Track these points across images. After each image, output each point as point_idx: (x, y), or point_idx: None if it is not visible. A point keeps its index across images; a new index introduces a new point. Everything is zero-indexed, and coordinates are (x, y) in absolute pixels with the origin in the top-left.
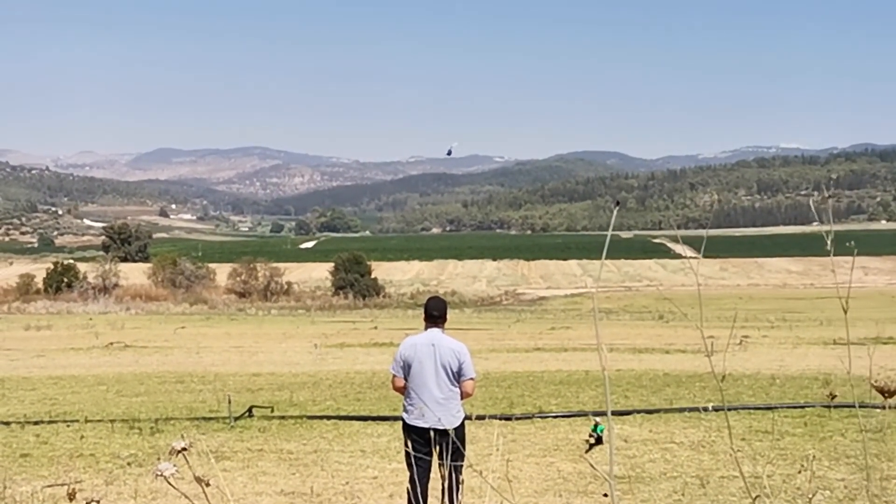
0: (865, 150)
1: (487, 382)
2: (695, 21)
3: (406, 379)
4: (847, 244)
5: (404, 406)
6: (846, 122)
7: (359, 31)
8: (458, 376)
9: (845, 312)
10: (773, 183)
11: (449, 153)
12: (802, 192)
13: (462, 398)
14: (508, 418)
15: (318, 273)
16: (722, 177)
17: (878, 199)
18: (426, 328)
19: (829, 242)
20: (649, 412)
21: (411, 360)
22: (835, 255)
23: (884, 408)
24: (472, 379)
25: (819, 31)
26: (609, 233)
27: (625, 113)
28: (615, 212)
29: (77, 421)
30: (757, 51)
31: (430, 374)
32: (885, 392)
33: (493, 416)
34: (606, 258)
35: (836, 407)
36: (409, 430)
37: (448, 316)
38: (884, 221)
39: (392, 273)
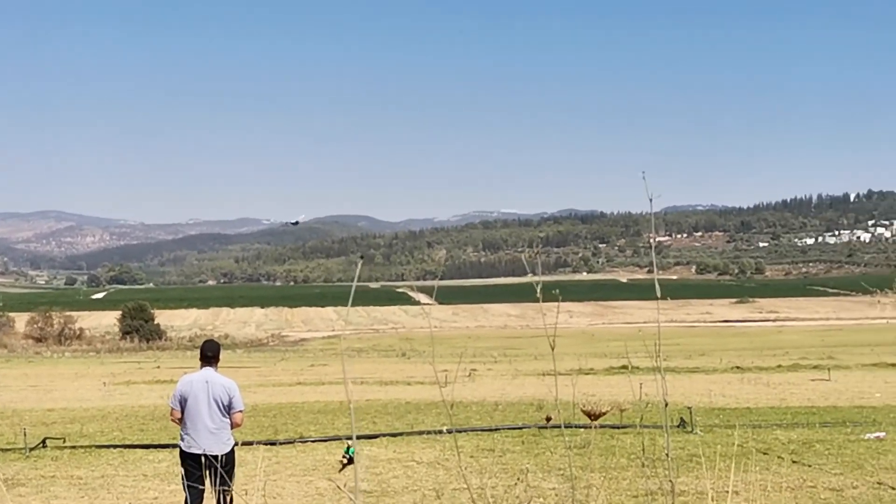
0: (570, 214)
1: (255, 413)
2: (426, 107)
3: (183, 411)
4: (553, 292)
5: (181, 435)
6: (554, 191)
7: (141, 113)
8: (228, 409)
9: (552, 349)
10: (495, 242)
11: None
12: (519, 249)
13: (232, 428)
14: (273, 443)
15: (108, 320)
16: (453, 236)
17: (580, 254)
18: (201, 367)
19: (538, 291)
20: (393, 435)
21: (187, 395)
22: (544, 301)
23: (588, 427)
24: (240, 411)
25: (525, 115)
26: (354, 284)
27: (373, 182)
28: (359, 265)
29: None
30: (479, 133)
31: (204, 407)
32: (591, 415)
33: (260, 442)
34: (358, 305)
35: (548, 427)
36: (185, 457)
37: (221, 356)
38: (585, 273)
39: (173, 319)
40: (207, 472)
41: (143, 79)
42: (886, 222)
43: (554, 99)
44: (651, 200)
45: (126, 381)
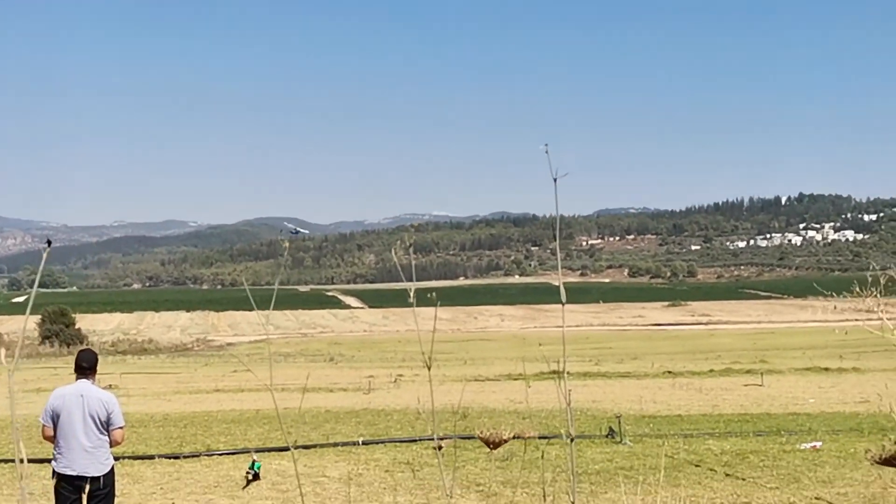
0: (502, 217)
1: (166, 423)
2: (356, 107)
3: (55, 429)
4: (429, 296)
5: (54, 454)
6: (486, 194)
7: (63, 112)
8: (106, 425)
9: (429, 367)
10: (426, 244)
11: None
12: (451, 252)
13: (111, 446)
14: (176, 457)
15: (28, 324)
16: (384, 239)
17: (513, 257)
18: (77, 379)
19: (411, 296)
20: (306, 447)
21: (60, 410)
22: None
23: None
24: (120, 427)
25: (457, 117)
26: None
27: (302, 184)
28: (46, 252)
29: None
30: (410, 134)
31: (79, 424)
32: (490, 443)
33: (162, 456)
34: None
35: (468, 438)
36: (59, 478)
37: (98, 367)
38: (517, 276)
39: (96, 324)
40: (84, 496)
41: (63, 78)
42: (817, 225)
43: (485, 101)
44: (556, 180)
45: (36, 389)
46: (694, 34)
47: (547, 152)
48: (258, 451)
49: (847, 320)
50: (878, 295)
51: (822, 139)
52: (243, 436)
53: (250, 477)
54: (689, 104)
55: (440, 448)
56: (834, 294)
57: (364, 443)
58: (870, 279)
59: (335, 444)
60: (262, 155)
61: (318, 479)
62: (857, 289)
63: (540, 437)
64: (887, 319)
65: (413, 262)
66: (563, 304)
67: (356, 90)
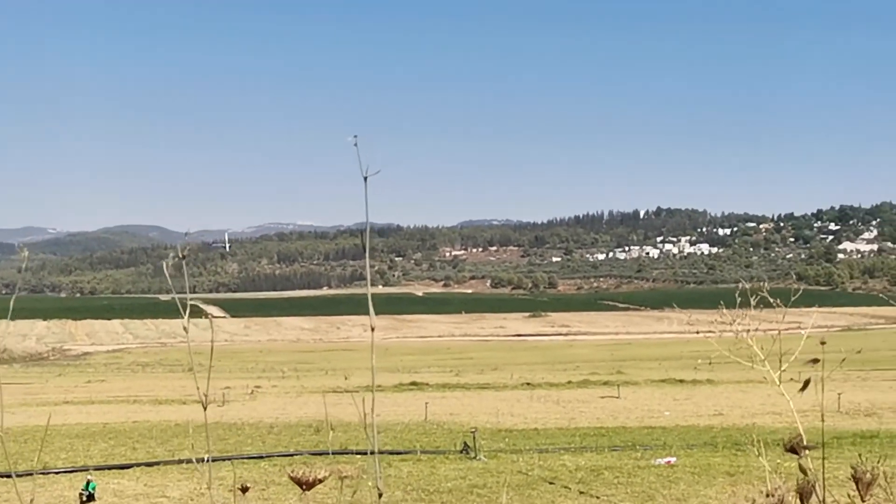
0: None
1: (7, 438)
2: (217, 113)
3: None
4: (205, 317)
5: None
6: (351, 203)
7: None
8: None
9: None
10: (290, 254)
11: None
12: (315, 262)
13: None
14: (9, 476)
15: None
16: (248, 248)
17: (376, 268)
18: None
19: (186, 314)
20: (149, 465)
21: None
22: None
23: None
24: None
25: (317, 123)
26: None
27: (165, 191)
28: None
29: None
30: (272, 142)
31: None
32: (302, 484)
33: None
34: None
35: (323, 454)
36: None
37: None
38: (381, 286)
39: None
40: None
41: None
42: (674, 239)
43: (347, 108)
44: (366, 179)
45: None
46: (551, 49)
47: (356, 145)
48: (97, 468)
49: (703, 330)
50: (779, 306)
51: (679, 154)
52: (85, 452)
53: (84, 498)
54: (549, 117)
55: (245, 490)
56: (722, 305)
57: (207, 460)
58: (748, 289)
59: (179, 462)
60: (124, 161)
61: (156, 499)
62: (739, 301)
63: (392, 453)
64: (752, 332)
65: (276, 272)
66: (372, 330)
67: (219, 96)
